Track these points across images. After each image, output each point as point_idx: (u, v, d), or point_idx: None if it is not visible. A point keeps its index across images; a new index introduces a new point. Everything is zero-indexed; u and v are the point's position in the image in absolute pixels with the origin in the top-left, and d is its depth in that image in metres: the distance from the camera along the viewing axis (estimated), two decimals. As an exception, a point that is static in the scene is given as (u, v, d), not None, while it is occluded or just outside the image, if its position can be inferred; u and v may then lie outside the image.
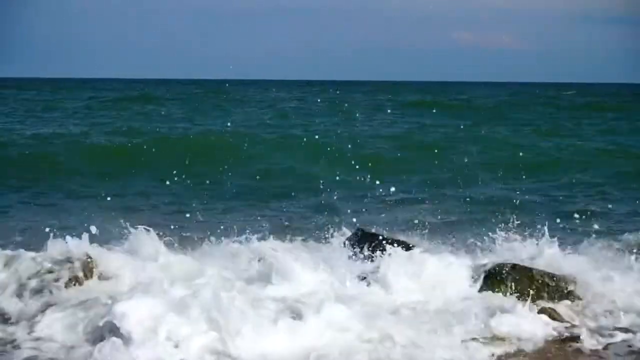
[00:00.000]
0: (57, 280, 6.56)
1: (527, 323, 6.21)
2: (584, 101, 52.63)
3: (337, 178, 16.26)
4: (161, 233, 9.52)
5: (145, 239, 8.52)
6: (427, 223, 11.67)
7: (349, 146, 21.61)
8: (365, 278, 7.27)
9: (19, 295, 6.46)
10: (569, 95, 64.56)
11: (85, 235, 8.12)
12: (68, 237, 9.64)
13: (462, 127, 29.03)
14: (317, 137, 24.46)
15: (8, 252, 8.39)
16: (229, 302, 5.80)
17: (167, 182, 15.06)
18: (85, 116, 32.31)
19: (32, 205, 12.47)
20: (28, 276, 6.64)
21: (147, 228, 8.52)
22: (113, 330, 5.38)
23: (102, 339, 5.35)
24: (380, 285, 7.08)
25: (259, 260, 7.87)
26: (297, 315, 6.06)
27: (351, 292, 6.79)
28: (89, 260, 7.01)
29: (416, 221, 11.83)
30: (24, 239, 9.67)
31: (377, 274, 7.24)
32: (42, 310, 6.14)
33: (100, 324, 5.49)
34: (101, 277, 6.94)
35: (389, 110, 39.49)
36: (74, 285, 6.57)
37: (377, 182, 15.85)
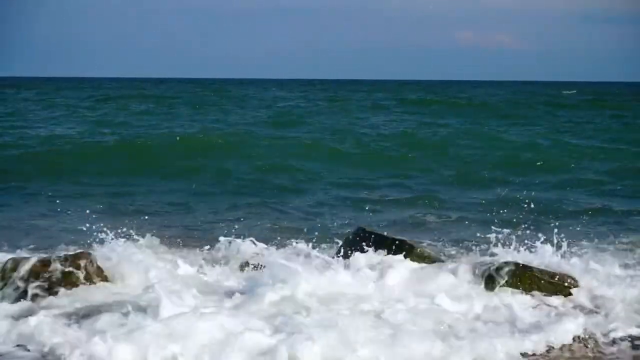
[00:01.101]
0: (57, 283, 6.48)
1: (550, 325, 6.13)
2: (584, 99, 52.63)
3: (339, 177, 16.30)
4: (162, 237, 9.55)
5: (147, 244, 8.51)
6: (428, 222, 11.70)
7: (350, 145, 21.66)
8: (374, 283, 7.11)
9: (18, 298, 6.40)
10: (570, 94, 64.52)
11: (88, 237, 8.11)
12: (72, 239, 9.69)
13: (462, 125, 29.07)
14: (317, 136, 24.49)
15: (10, 253, 8.41)
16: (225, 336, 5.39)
17: (168, 182, 15.07)
18: (85, 116, 32.28)
19: (32, 206, 12.45)
20: (29, 279, 6.57)
21: (138, 234, 8.52)
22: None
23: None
24: (389, 294, 6.81)
25: (258, 267, 7.81)
26: (296, 333, 5.46)
27: (361, 303, 6.41)
28: (90, 263, 6.92)
29: (417, 220, 11.86)
30: (28, 241, 9.69)
31: (386, 283, 7.05)
32: (38, 312, 6.08)
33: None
34: (103, 280, 6.85)
35: (389, 109, 39.56)
36: (71, 288, 6.46)
37: (378, 181, 15.90)
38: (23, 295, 6.37)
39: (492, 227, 11.21)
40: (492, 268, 7.35)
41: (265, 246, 8.52)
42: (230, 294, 6.80)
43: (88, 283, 6.60)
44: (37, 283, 6.42)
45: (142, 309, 5.85)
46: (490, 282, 7.21)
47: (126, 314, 5.74)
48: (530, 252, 8.43)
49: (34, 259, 6.77)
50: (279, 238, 10.16)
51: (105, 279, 6.87)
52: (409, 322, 5.95)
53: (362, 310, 6.22)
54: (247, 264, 8.02)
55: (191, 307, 5.85)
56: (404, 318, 6.05)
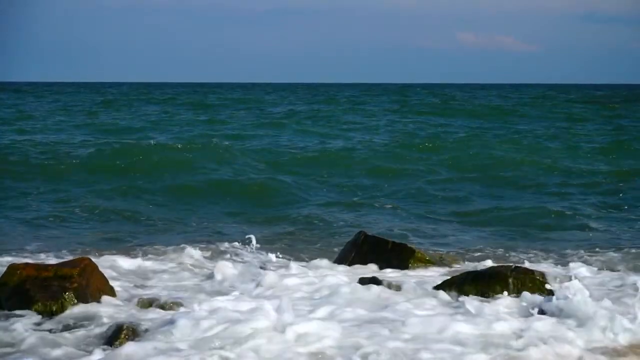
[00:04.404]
0: (55, 290, 6.37)
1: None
2: (589, 100, 52.50)
3: (340, 181, 16.27)
4: (165, 245, 9.53)
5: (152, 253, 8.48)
6: (429, 227, 11.68)
7: (351, 149, 21.63)
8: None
9: (12, 306, 6.32)
10: (572, 97, 64.46)
11: (92, 243, 8.09)
12: (76, 245, 9.71)
13: (464, 128, 29.04)
14: (317, 139, 24.48)
15: (12, 257, 8.41)
16: None
17: (168, 187, 14.97)
18: (86, 120, 32.23)
19: (34, 210, 12.41)
20: (24, 285, 6.49)
21: (141, 241, 8.51)
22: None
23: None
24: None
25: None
26: None
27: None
28: (91, 270, 6.81)
29: (418, 224, 11.85)
30: (31, 245, 9.72)
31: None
32: (30, 321, 6.03)
33: None
34: (103, 289, 6.75)
35: (392, 112, 39.56)
36: (69, 296, 6.35)
37: (380, 185, 15.87)
38: (19, 302, 6.29)
39: (496, 232, 11.28)
40: (492, 271, 7.31)
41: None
42: None
43: (87, 292, 6.47)
44: (32, 290, 6.33)
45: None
46: (490, 284, 7.16)
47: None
48: (534, 256, 8.43)
49: (30, 265, 6.71)
50: (282, 243, 10.19)
51: (105, 287, 6.75)
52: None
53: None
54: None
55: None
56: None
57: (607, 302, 6.28)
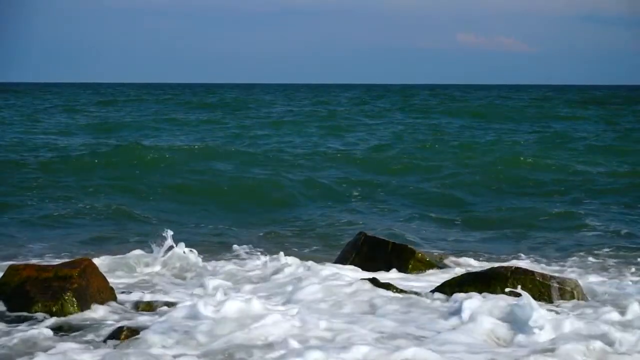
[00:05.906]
0: (56, 291, 6.34)
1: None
2: (582, 103, 52.46)
3: (340, 181, 16.27)
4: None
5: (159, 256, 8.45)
6: (429, 228, 11.68)
7: (351, 150, 21.65)
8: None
9: (13, 308, 6.32)
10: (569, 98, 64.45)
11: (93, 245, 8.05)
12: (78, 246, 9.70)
13: (467, 130, 29.04)
14: (316, 140, 24.48)
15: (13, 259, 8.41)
16: None
17: (168, 191, 14.93)
18: (85, 121, 32.27)
19: (36, 213, 12.39)
20: (24, 286, 6.48)
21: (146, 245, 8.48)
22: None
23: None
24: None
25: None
26: None
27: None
28: (92, 271, 6.77)
29: (418, 225, 11.85)
30: (33, 246, 9.72)
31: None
32: (29, 323, 6.03)
33: None
34: (104, 289, 6.74)
35: (393, 113, 39.55)
36: (69, 297, 6.32)
37: (380, 186, 15.88)
38: (19, 303, 6.28)
39: (496, 232, 11.27)
40: (493, 271, 7.30)
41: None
42: None
43: (87, 293, 6.44)
44: (32, 290, 6.32)
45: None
46: (491, 285, 7.16)
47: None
48: (534, 256, 8.42)
49: (30, 265, 6.70)
50: (282, 243, 10.18)
51: (106, 288, 6.71)
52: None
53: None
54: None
55: None
56: None
57: (610, 306, 6.27)
